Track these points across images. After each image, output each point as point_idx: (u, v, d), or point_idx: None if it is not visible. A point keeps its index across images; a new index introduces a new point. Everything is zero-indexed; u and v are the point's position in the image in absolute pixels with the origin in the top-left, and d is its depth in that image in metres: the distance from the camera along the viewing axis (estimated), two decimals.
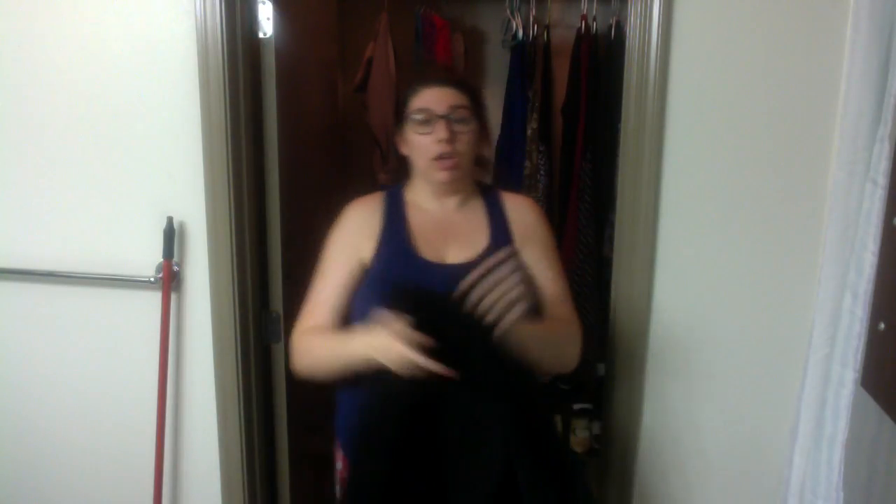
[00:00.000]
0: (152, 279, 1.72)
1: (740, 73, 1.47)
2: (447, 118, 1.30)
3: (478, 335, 1.12)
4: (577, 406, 2.99)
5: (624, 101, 1.53)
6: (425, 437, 1.14)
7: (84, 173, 1.73)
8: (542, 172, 2.83)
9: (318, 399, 2.21)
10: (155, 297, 1.75)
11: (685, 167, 1.52)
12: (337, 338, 1.28)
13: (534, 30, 2.81)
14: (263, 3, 1.67)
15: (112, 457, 1.90)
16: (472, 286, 1.12)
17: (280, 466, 1.91)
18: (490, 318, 1.11)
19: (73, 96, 1.70)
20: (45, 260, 1.79)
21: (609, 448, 1.71)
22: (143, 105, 1.68)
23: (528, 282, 1.33)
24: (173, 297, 1.76)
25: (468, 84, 1.38)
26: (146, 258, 1.73)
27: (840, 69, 1.43)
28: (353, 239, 1.37)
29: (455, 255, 1.34)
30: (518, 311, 1.11)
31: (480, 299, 1.11)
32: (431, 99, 1.32)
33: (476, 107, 1.36)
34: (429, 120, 1.31)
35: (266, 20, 1.68)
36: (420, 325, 1.09)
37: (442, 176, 1.33)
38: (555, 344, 1.32)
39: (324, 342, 1.30)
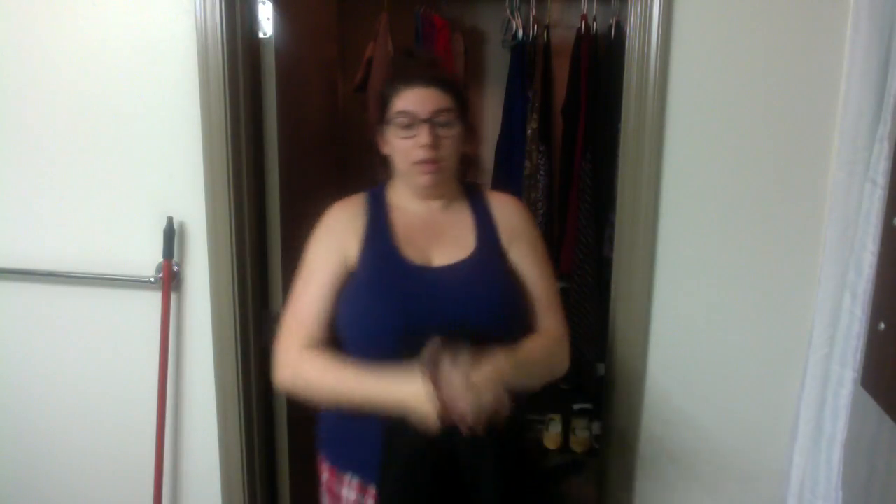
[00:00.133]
0: (152, 279, 1.72)
1: (740, 73, 1.47)
2: (431, 122, 1.24)
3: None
4: (577, 406, 2.99)
5: (624, 101, 1.53)
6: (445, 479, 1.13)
7: (84, 173, 1.74)
8: (542, 172, 2.84)
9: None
10: (155, 297, 1.75)
11: (685, 167, 1.52)
12: (353, 373, 1.19)
13: (534, 30, 2.81)
14: (263, 3, 1.67)
15: (112, 457, 1.90)
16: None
17: (280, 466, 1.91)
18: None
19: (73, 96, 1.70)
20: (45, 260, 1.79)
21: (609, 448, 1.71)
22: (143, 105, 1.68)
23: (517, 283, 1.31)
24: (173, 297, 1.76)
25: (453, 83, 1.31)
26: (146, 258, 1.73)
27: (840, 69, 1.43)
28: (336, 242, 1.31)
29: (441, 257, 1.29)
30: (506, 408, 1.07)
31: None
32: (414, 101, 1.25)
33: (461, 107, 1.29)
34: (411, 124, 1.24)
35: (266, 20, 1.68)
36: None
37: (425, 180, 1.28)
38: (545, 365, 1.29)
39: (334, 373, 1.21)
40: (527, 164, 2.82)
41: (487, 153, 3.13)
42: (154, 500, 1.83)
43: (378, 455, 1.15)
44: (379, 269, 1.27)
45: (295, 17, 1.86)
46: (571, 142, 2.81)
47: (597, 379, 2.99)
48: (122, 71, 1.67)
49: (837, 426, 1.40)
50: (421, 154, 1.24)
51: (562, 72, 2.86)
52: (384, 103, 1.29)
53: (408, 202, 1.35)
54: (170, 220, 1.70)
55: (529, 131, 2.82)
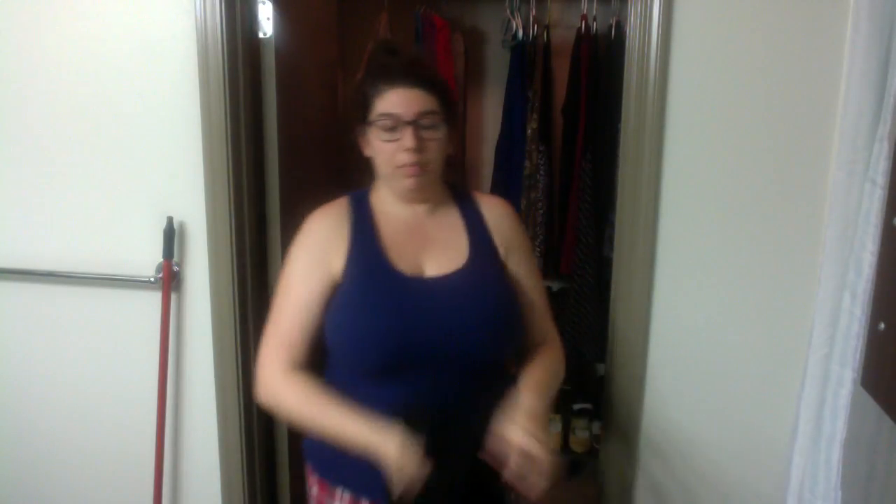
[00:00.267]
0: (152, 279, 1.72)
1: (740, 73, 1.47)
2: (415, 124, 1.16)
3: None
4: (577, 406, 2.99)
5: (624, 101, 1.53)
6: None
7: (84, 173, 1.74)
8: (542, 172, 2.83)
9: None
10: (155, 297, 1.75)
11: (685, 167, 1.52)
12: (333, 410, 1.14)
13: (534, 30, 2.81)
14: (263, 3, 1.67)
15: (112, 457, 1.90)
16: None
17: (280, 466, 1.91)
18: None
19: (74, 96, 1.70)
20: (45, 260, 1.79)
21: (609, 448, 1.71)
22: (143, 105, 1.68)
23: (515, 289, 1.27)
24: (173, 297, 1.76)
25: (438, 82, 1.23)
26: (146, 258, 1.73)
27: (840, 69, 1.43)
28: (320, 253, 1.23)
29: (433, 267, 1.22)
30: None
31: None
32: (398, 103, 1.17)
33: (446, 108, 1.21)
34: (395, 126, 1.17)
35: (266, 20, 1.68)
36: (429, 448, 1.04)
37: (409, 184, 1.20)
38: (555, 387, 1.28)
39: (314, 405, 1.16)
40: (527, 164, 2.82)
41: (487, 153, 3.13)
42: (154, 500, 1.83)
43: (369, 468, 1.09)
44: (369, 282, 1.20)
45: (295, 17, 1.86)
46: (571, 142, 2.80)
47: (597, 379, 2.99)
48: (123, 71, 1.67)
49: (837, 426, 1.40)
50: (405, 158, 1.17)
51: (562, 72, 2.85)
52: (365, 103, 1.21)
53: (393, 207, 1.27)
54: (170, 220, 1.70)
55: (529, 131, 2.82)
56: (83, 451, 1.92)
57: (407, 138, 1.16)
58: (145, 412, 1.80)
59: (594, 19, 2.73)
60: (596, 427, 2.89)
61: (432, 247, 1.25)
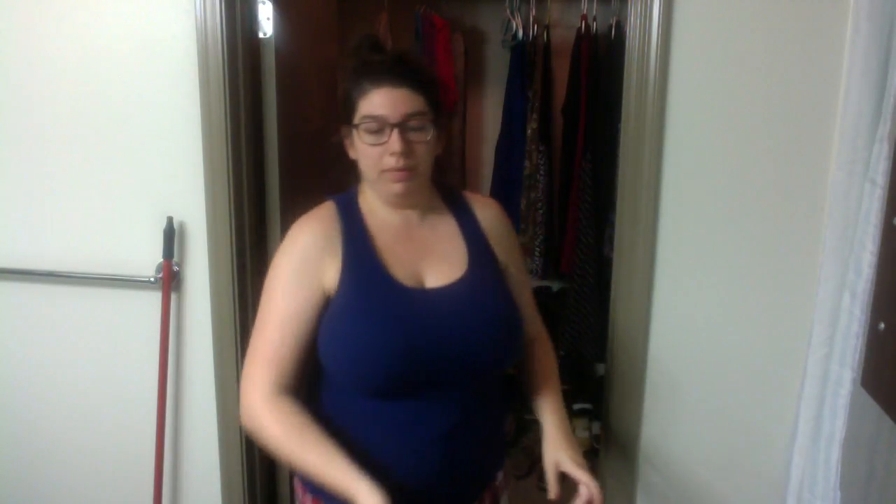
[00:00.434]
0: (152, 279, 1.72)
1: (740, 73, 1.47)
2: (402, 126, 1.09)
3: None
4: (577, 406, 2.99)
5: (624, 101, 1.53)
6: None
7: (84, 173, 1.74)
8: (541, 172, 2.83)
9: None
10: (155, 297, 1.75)
11: (685, 167, 1.52)
12: (315, 452, 1.06)
13: (534, 30, 2.81)
14: (263, 3, 1.67)
15: (112, 457, 1.90)
16: None
17: (280, 467, 1.91)
18: None
19: (74, 96, 1.70)
20: (45, 260, 1.79)
21: (609, 448, 1.71)
22: (143, 105, 1.68)
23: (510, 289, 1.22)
24: (173, 297, 1.76)
25: (425, 80, 1.14)
26: (146, 258, 1.73)
27: (840, 69, 1.43)
28: (309, 264, 1.13)
29: (434, 277, 1.16)
30: None
31: None
32: (383, 103, 1.10)
33: (434, 108, 1.14)
34: (380, 129, 1.10)
35: (266, 20, 1.68)
36: None
37: (396, 189, 1.13)
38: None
39: (296, 442, 1.07)
40: (527, 164, 2.82)
41: (487, 153, 3.13)
42: (154, 500, 1.83)
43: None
44: (369, 294, 1.12)
45: (295, 17, 1.86)
46: (571, 142, 2.80)
47: (597, 379, 2.99)
48: (123, 71, 1.67)
49: (836, 426, 1.41)
50: (391, 162, 1.10)
51: (562, 72, 2.86)
52: (349, 104, 1.14)
53: (382, 211, 1.20)
54: (170, 220, 1.70)
55: (529, 131, 2.82)
56: (83, 451, 1.92)
57: (393, 141, 1.09)
58: (145, 412, 1.80)
59: (594, 19, 2.73)
60: (596, 427, 2.89)
61: (430, 255, 1.18)
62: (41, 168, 1.75)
